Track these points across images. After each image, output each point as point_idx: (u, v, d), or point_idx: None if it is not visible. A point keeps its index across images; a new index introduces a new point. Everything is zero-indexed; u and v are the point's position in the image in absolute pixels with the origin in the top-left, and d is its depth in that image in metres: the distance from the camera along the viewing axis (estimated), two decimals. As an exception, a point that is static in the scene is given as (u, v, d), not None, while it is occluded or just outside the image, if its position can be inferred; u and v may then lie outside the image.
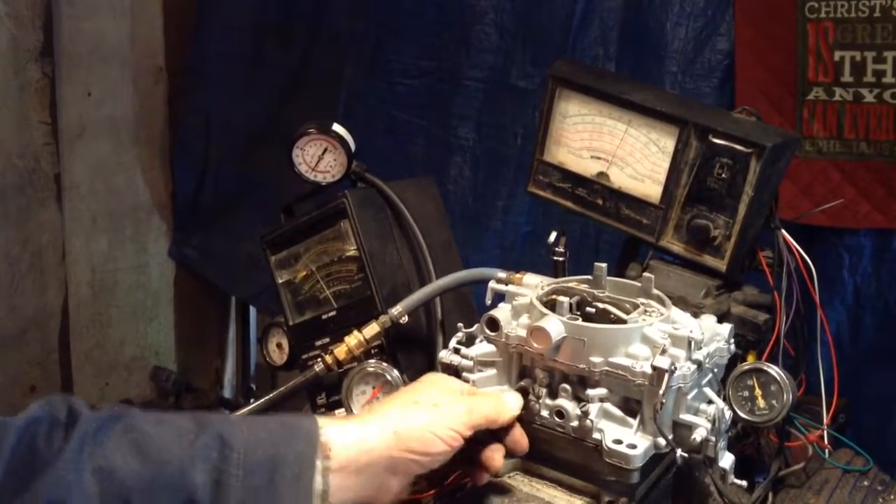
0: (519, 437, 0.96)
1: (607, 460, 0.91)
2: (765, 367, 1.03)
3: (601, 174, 1.27)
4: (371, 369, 1.21)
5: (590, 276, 1.05)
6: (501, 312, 1.02)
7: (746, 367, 1.04)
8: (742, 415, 1.03)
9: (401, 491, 0.86)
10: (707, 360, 0.96)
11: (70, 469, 0.72)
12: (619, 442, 0.91)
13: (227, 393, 2.84)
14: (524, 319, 1.00)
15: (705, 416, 0.95)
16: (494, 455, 0.93)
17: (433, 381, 0.96)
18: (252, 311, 2.78)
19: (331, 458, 0.80)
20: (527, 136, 1.95)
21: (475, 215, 2.05)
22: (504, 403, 0.94)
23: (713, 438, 0.93)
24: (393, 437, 0.84)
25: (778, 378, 1.03)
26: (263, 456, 0.77)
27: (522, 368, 1.01)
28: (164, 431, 0.77)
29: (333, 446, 0.80)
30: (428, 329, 1.32)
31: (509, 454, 0.97)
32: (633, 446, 0.90)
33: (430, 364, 1.26)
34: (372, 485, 0.83)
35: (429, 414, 0.87)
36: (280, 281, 1.43)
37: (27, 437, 0.74)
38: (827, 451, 1.24)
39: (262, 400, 1.23)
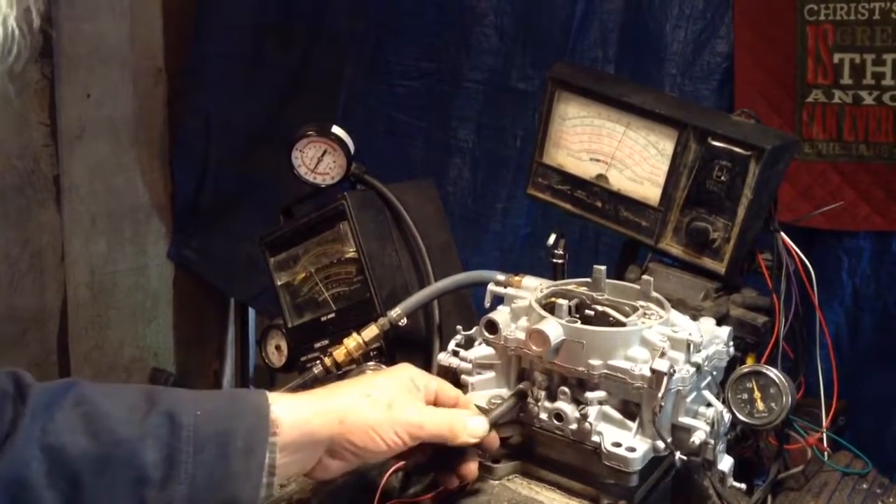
0: (491, 440, 0.95)
1: (606, 463, 0.91)
2: (764, 370, 1.03)
3: (600, 176, 1.27)
4: (370, 372, 1.20)
5: (589, 279, 1.05)
6: (500, 315, 1.02)
7: (745, 370, 1.04)
8: (741, 417, 1.03)
9: (339, 471, 0.88)
10: (706, 363, 0.96)
11: (27, 446, 0.72)
12: (618, 445, 0.91)
13: (226, 394, 2.83)
14: (523, 322, 1.00)
15: (704, 419, 0.95)
16: (471, 466, 0.94)
17: (398, 378, 0.93)
18: (251, 312, 2.78)
19: (278, 434, 0.81)
20: (526, 138, 1.94)
21: (474, 217, 2.04)
22: (463, 426, 0.91)
23: (712, 441, 0.93)
24: (337, 425, 0.85)
25: (777, 381, 1.02)
26: (214, 431, 0.78)
27: (521, 371, 1.01)
28: (115, 406, 0.77)
29: (281, 423, 0.81)
30: (427, 331, 1.32)
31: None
32: (632, 449, 0.90)
33: (428, 367, 1.26)
34: (312, 461, 0.86)
35: (379, 413, 0.87)
36: (279, 283, 1.43)
37: None
38: (826, 453, 1.24)
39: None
